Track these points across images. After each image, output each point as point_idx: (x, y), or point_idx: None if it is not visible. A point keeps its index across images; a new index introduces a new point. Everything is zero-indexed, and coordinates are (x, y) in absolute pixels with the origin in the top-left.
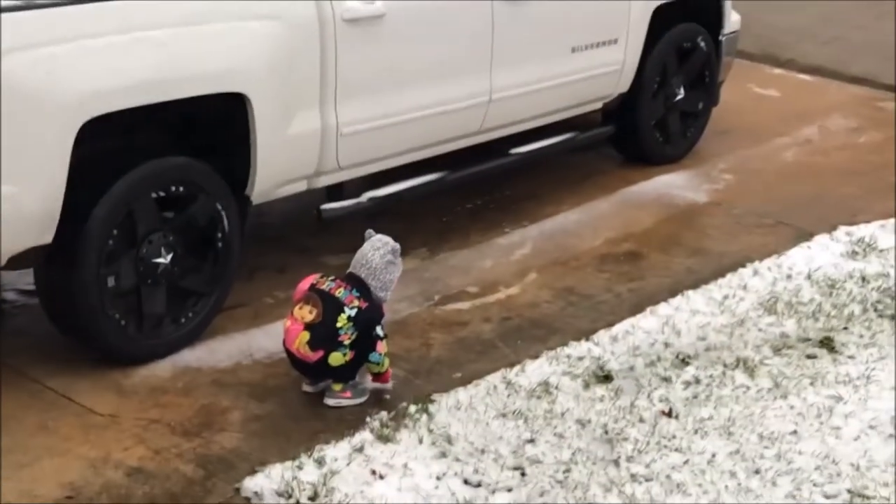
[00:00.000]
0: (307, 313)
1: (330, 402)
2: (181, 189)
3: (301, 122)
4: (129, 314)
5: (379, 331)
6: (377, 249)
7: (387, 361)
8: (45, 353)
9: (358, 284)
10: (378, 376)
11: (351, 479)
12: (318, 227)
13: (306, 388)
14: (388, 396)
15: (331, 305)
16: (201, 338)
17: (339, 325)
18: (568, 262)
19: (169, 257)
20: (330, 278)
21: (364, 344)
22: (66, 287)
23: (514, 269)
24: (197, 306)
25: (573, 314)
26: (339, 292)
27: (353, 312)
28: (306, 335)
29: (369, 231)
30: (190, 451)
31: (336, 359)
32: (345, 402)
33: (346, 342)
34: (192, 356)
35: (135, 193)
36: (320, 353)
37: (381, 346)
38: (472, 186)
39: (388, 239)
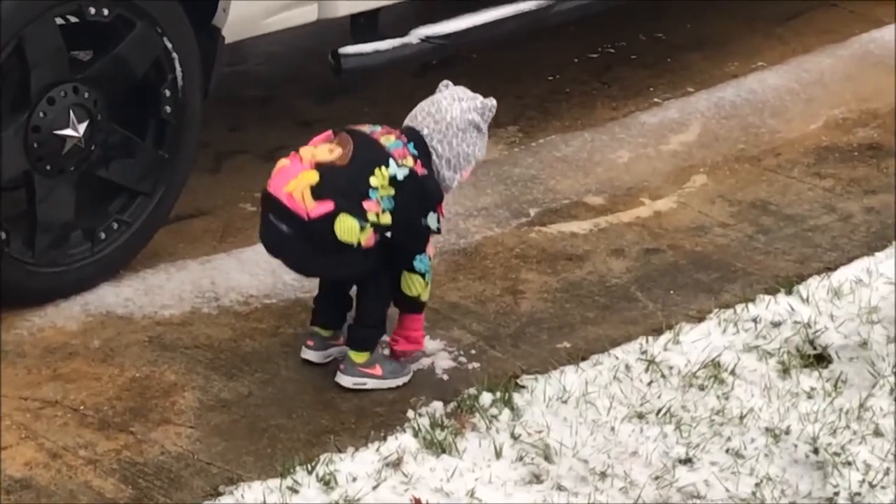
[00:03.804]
0: (326, 152)
1: (346, 381)
2: (104, 12)
3: None
4: (14, 223)
5: (433, 221)
6: (459, 101)
7: (426, 293)
8: None
9: (418, 141)
10: (413, 311)
11: None
12: (333, 85)
13: (308, 353)
14: (444, 376)
15: (367, 150)
16: (132, 266)
17: (373, 182)
18: (761, 157)
19: (82, 128)
20: (375, 127)
21: (403, 234)
22: None
23: (668, 167)
24: (127, 213)
25: (766, 248)
26: (388, 140)
27: (401, 173)
28: (313, 175)
29: (445, 82)
30: (110, 455)
31: (347, 228)
32: (372, 384)
33: (374, 215)
34: (116, 296)
35: (26, 14)
36: (328, 206)
37: (432, 249)
38: (599, 25)
39: (476, 95)
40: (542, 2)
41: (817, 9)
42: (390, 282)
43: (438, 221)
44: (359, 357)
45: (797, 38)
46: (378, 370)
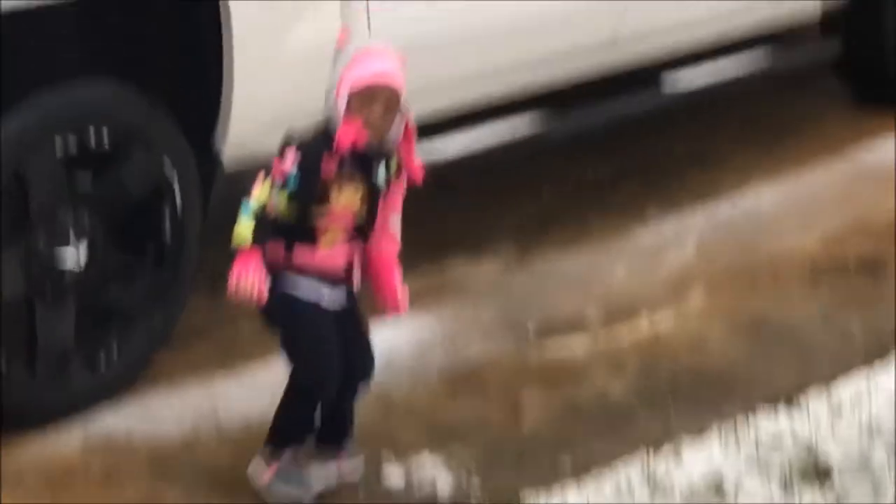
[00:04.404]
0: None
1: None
2: (104, 136)
3: (313, 18)
4: (14, 347)
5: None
6: None
7: None
8: None
9: None
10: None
11: None
12: None
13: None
14: (446, 495)
15: None
16: (133, 389)
17: None
18: (758, 273)
19: (82, 252)
20: None
21: None
22: None
23: (667, 282)
24: (127, 336)
25: (766, 362)
26: None
27: None
28: None
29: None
30: None
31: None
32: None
33: None
34: (116, 420)
35: (27, 140)
36: None
37: None
38: (596, 142)
39: None
40: (540, 122)
41: (811, 124)
42: None
43: None
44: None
45: (791, 154)
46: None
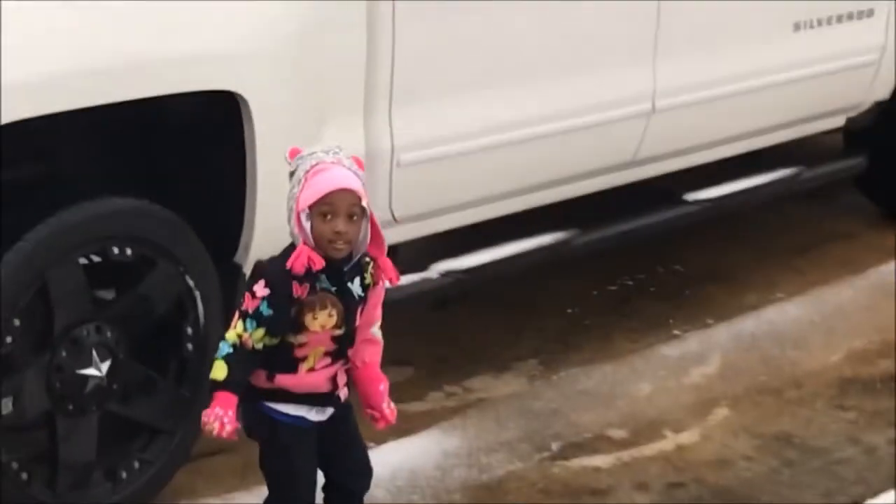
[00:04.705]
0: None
1: None
2: (127, 252)
3: (332, 140)
4: (35, 462)
5: None
6: None
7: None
8: None
9: None
10: None
11: None
12: None
13: None
14: None
15: None
16: None
17: None
18: (783, 390)
19: (105, 367)
20: None
21: None
22: None
23: (690, 399)
24: (148, 451)
25: (791, 482)
26: None
27: None
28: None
29: None
30: None
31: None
32: None
33: None
34: None
35: (51, 257)
36: None
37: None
38: (617, 257)
39: None
40: (560, 235)
41: (833, 240)
42: None
43: None
44: None
45: (815, 269)
46: None
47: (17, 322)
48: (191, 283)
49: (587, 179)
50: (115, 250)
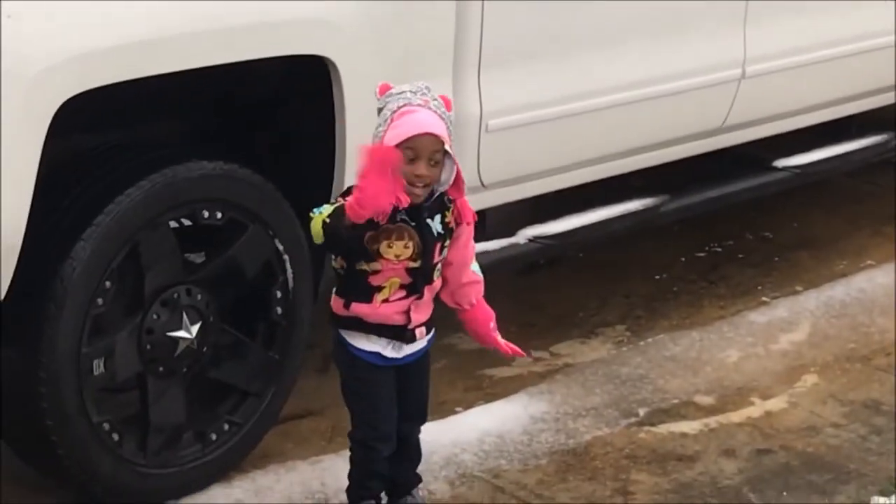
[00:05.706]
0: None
1: None
2: (217, 215)
3: None
4: (127, 424)
5: None
6: None
7: None
8: None
9: None
10: None
11: None
12: None
13: None
14: None
15: None
16: (242, 467)
17: None
18: (872, 357)
19: (195, 330)
20: None
21: None
22: (24, 376)
23: (778, 366)
24: (237, 414)
25: (879, 449)
26: None
27: None
28: None
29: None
30: None
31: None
32: None
33: None
34: (227, 498)
35: (140, 222)
36: None
37: None
38: (705, 224)
39: None
40: (649, 202)
41: None
42: None
43: None
44: None
45: None
46: None
47: (108, 284)
48: (280, 247)
49: (676, 146)
50: (205, 214)
